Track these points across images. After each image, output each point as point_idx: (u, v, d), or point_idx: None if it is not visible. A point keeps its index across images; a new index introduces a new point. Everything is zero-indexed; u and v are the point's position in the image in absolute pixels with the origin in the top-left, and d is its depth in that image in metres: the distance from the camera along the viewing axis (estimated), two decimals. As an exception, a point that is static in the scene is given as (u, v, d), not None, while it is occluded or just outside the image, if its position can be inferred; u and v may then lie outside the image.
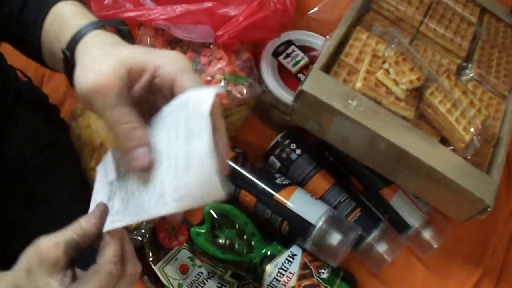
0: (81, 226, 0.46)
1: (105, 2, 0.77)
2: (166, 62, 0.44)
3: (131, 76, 0.44)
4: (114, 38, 0.48)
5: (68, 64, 0.49)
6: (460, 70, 0.79)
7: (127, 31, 0.53)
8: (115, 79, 0.43)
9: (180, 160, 0.40)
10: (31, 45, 0.56)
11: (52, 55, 0.54)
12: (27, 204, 0.69)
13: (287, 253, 0.72)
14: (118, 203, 0.47)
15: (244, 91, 0.73)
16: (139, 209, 0.44)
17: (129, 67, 0.43)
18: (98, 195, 0.50)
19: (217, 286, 0.73)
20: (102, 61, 0.44)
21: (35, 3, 0.55)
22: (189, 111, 0.41)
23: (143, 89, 0.45)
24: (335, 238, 0.71)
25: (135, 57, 0.44)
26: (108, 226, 0.47)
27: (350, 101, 0.65)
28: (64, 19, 0.52)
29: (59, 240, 0.45)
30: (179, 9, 0.73)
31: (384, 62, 0.69)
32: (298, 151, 0.78)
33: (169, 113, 0.44)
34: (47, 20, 0.53)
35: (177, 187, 0.40)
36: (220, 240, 0.72)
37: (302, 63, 0.79)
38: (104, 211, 0.48)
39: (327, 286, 0.70)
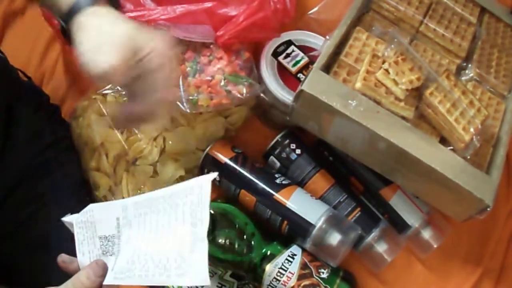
0: (83, 283, 0.49)
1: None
2: (156, 49, 0.53)
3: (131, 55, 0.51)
4: (109, 14, 0.54)
5: (65, 31, 0.56)
6: (459, 70, 0.79)
7: None
8: (124, 63, 0.51)
9: (186, 242, 0.47)
10: None
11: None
12: (28, 203, 0.70)
13: (287, 253, 0.72)
14: (122, 263, 0.51)
15: (244, 91, 0.73)
16: (143, 275, 0.49)
17: (132, 48, 0.51)
18: (85, 247, 0.53)
19: (217, 286, 0.73)
20: (108, 44, 0.51)
21: None
22: (194, 200, 0.48)
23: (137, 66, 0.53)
24: (335, 238, 0.71)
25: (136, 39, 0.52)
26: (110, 281, 0.50)
27: (350, 101, 0.65)
28: None
29: None
30: (179, 9, 0.73)
31: (384, 62, 0.69)
32: (298, 151, 0.78)
33: (172, 196, 0.50)
34: None
35: (181, 266, 0.47)
36: (220, 240, 0.71)
37: (302, 63, 0.80)
38: (105, 269, 0.51)
39: (327, 286, 0.71)
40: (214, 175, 0.49)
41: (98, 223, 0.53)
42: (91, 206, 0.54)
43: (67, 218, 0.55)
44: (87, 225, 0.53)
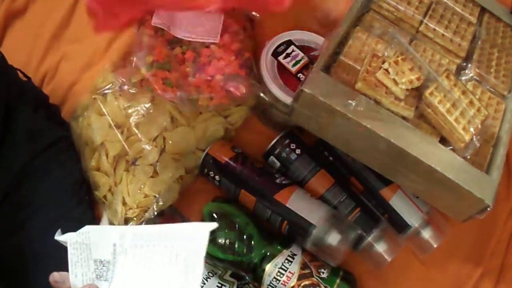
0: None
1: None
2: None
3: None
4: None
5: None
6: (459, 70, 0.79)
7: None
8: None
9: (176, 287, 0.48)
10: None
11: None
12: (28, 202, 0.70)
13: (287, 253, 0.72)
14: None
15: (244, 91, 0.73)
16: None
17: None
18: (78, 269, 0.53)
19: (217, 286, 0.73)
20: None
21: None
22: (190, 246, 0.49)
23: None
24: (334, 238, 0.71)
25: None
26: None
27: (350, 101, 0.65)
28: None
29: None
30: None
31: (384, 62, 0.69)
32: (298, 151, 0.78)
33: (171, 236, 0.51)
34: None
35: None
36: (220, 240, 0.72)
37: (302, 63, 0.79)
38: None
39: (327, 285, 0.71)
40: (213, 225, 0.50)
41: (94, 245, 0.52)
42: (87, 228, 0.53)
43: (61, 237, 0.54)
44: (82, 246, 0.53)
